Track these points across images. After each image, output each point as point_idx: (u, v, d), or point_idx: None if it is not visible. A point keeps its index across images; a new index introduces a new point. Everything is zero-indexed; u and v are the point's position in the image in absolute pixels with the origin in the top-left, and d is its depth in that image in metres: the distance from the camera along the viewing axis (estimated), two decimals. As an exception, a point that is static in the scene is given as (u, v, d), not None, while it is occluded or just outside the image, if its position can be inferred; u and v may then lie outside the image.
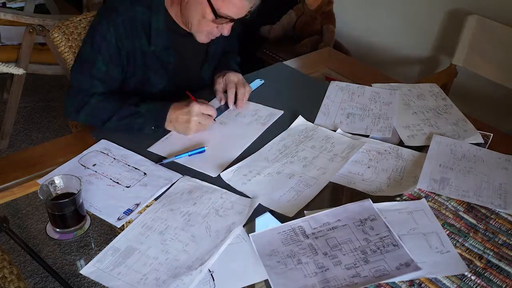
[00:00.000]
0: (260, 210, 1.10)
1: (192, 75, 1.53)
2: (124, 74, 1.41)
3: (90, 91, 1.35)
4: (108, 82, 1.37)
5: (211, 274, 0.95)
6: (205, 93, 1.51)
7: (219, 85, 1.48)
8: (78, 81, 1.36)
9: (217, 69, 1.56)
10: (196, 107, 1.30)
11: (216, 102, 1.48)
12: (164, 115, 1.31)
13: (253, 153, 1.28)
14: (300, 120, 1.41)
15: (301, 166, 1.24)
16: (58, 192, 1.07)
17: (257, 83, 1.58)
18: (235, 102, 1.45)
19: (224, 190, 1.15)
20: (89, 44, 1.35)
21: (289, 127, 1.38)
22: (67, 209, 1.03)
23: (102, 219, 1.07)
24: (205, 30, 1.34)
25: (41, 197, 1.03)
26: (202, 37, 1.38)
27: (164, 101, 1.35)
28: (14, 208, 1.13)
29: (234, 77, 1.47)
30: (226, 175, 1.19)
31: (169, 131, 1.34)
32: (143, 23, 1.35)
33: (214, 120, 1.36)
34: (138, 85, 1.44)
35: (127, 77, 1.42)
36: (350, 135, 1.36)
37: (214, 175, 1.20)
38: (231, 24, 1.33)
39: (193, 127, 1.31)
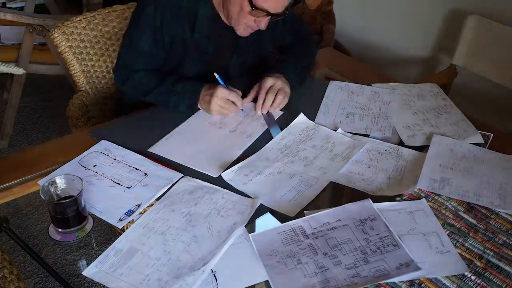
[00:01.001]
0: (261, 210, 1.10)
1: (222, 65, 1.54)
2: (166, 57, 1.45)
3: (134, 67, 1.44)
4: (150, 61, 1.44)
5: (214, 275, 0.95)
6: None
7: (253, 89, 1.45)
8: (124, 59, 1.46)
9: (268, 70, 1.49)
10: (220, 91, 1.35)
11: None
12: (197, 96, 1.38)
13: (254, 153, 1.28)
14: (301, 118, 1.41)
15: (302, 166, 1.24)
16: (59, 192, 1.07)
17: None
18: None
19: (226, 190, 1.15)
20: (135, 26, 1.42)
21: (290, 125, 1.38)
22: (69, 209, 1.03)
23: (102, 218, 1.07)
24: (243, 22, 1.37)
25: (43, 198, 1.03)
26: (241, 30, 1.41)
27: (201, 81, 1.40)
28: (14, 208, 1.13)
29: (271, 82, 1.41)
30: (227, 175, 1.19)
31: (171, 130, 1.34)
32: (188, 11, 1.39)
33: (242, 110, 1.40)
34: (172, 70, 1.48)
35: (166, 60, 1.47)
36: (350, 135, 1.36)
37: (215, 175, 1.20)
38: (267, 18, 1.34)
39: (214, 109, 1.37)
